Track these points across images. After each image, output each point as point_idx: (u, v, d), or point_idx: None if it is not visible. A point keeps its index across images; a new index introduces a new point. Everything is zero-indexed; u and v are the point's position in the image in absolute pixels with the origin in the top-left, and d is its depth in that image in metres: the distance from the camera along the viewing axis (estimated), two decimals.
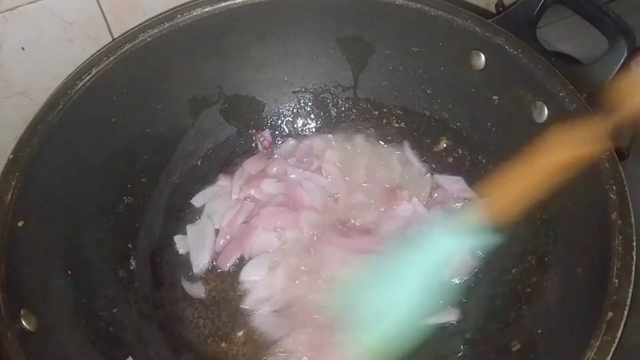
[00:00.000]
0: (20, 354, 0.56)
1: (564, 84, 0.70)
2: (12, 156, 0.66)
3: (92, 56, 0.74)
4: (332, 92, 0.92)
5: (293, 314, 0.76)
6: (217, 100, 0.89)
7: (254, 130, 0.93)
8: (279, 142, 0.93)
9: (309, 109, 0.94)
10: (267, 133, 0.93)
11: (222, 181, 0.90)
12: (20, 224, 0.64)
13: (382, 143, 0.92)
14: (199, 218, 0.87)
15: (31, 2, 0.75)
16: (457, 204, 0.84)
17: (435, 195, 0.86)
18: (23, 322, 0.59)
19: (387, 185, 0.87)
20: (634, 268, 0.58)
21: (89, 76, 0.72)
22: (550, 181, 0.59)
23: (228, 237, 0.85)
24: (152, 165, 0.85)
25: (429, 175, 0.88)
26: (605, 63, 0.74)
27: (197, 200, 0.89)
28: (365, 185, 0.87)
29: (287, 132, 0.94)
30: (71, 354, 0.65)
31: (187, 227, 0.86)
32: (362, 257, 0.77)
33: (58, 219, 0.71)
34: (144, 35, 0.76)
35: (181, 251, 0.84)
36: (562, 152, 0.58)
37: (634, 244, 0.59)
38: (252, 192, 0.87)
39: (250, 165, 0.90)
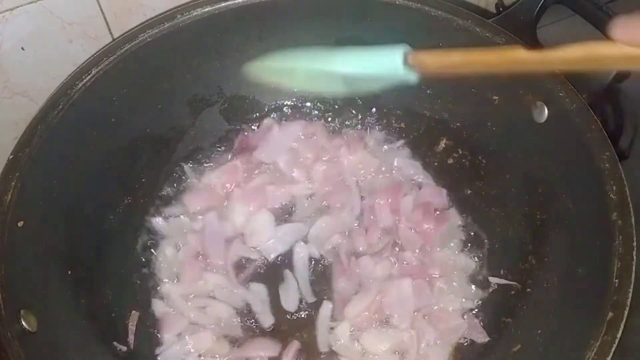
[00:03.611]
0: (20, 354, 0.56)
1: (564, 84, 0.70)
2: (12, 156, 0.66)
3: (92, 56, 0.74)
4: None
5: None
6: (217, 100, 0.89)
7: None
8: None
9: (309, 109, 0.94)
10: None
11: None
12: (20, 224, 0.64)
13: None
14: None
15: (31, 2, 0.75)
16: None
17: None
18: (23, 322, 0.59)
19: None
20: (634, 268, 0.58)
21: (89, 76, 0.72)
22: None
23: None
24: (152, 165, 0.85)
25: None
26: None
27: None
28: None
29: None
30: (71, 354, 0.65)
31: None
32: None
33: (58, 219, 0.71)
34: (144, 35, 0.76)
35: None
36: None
37: (634, 244, 0.59)
38: None
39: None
